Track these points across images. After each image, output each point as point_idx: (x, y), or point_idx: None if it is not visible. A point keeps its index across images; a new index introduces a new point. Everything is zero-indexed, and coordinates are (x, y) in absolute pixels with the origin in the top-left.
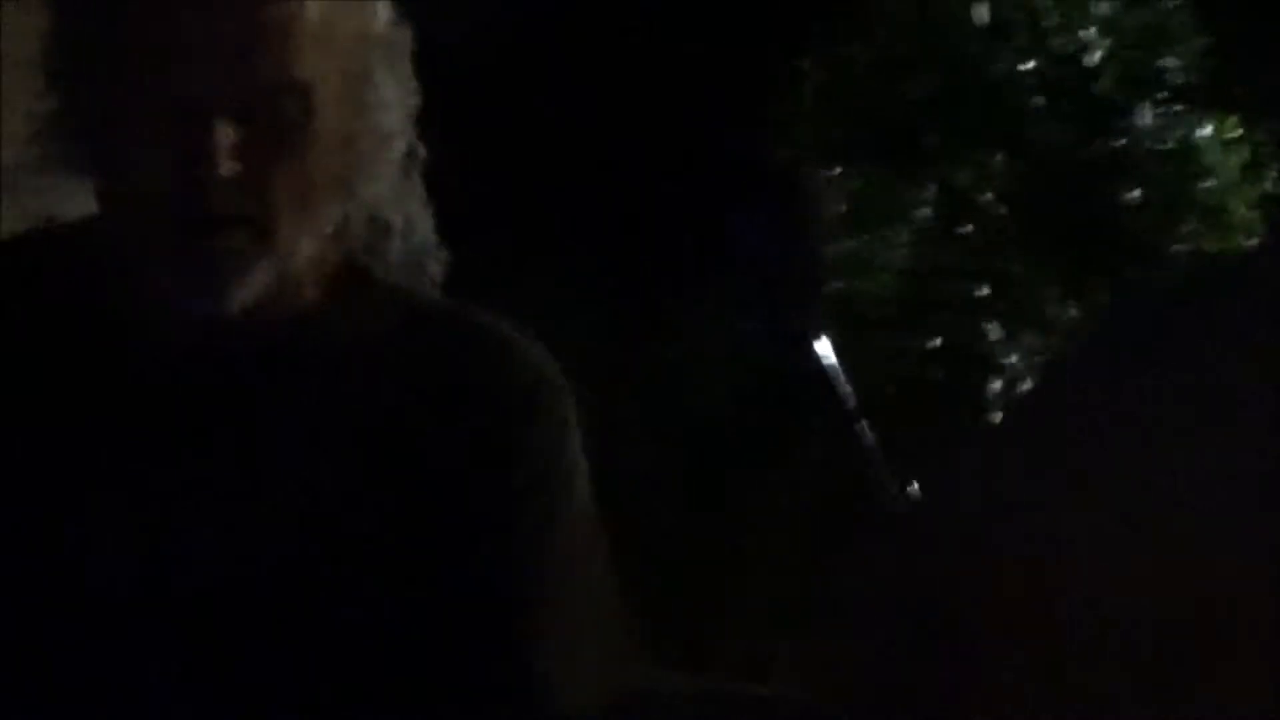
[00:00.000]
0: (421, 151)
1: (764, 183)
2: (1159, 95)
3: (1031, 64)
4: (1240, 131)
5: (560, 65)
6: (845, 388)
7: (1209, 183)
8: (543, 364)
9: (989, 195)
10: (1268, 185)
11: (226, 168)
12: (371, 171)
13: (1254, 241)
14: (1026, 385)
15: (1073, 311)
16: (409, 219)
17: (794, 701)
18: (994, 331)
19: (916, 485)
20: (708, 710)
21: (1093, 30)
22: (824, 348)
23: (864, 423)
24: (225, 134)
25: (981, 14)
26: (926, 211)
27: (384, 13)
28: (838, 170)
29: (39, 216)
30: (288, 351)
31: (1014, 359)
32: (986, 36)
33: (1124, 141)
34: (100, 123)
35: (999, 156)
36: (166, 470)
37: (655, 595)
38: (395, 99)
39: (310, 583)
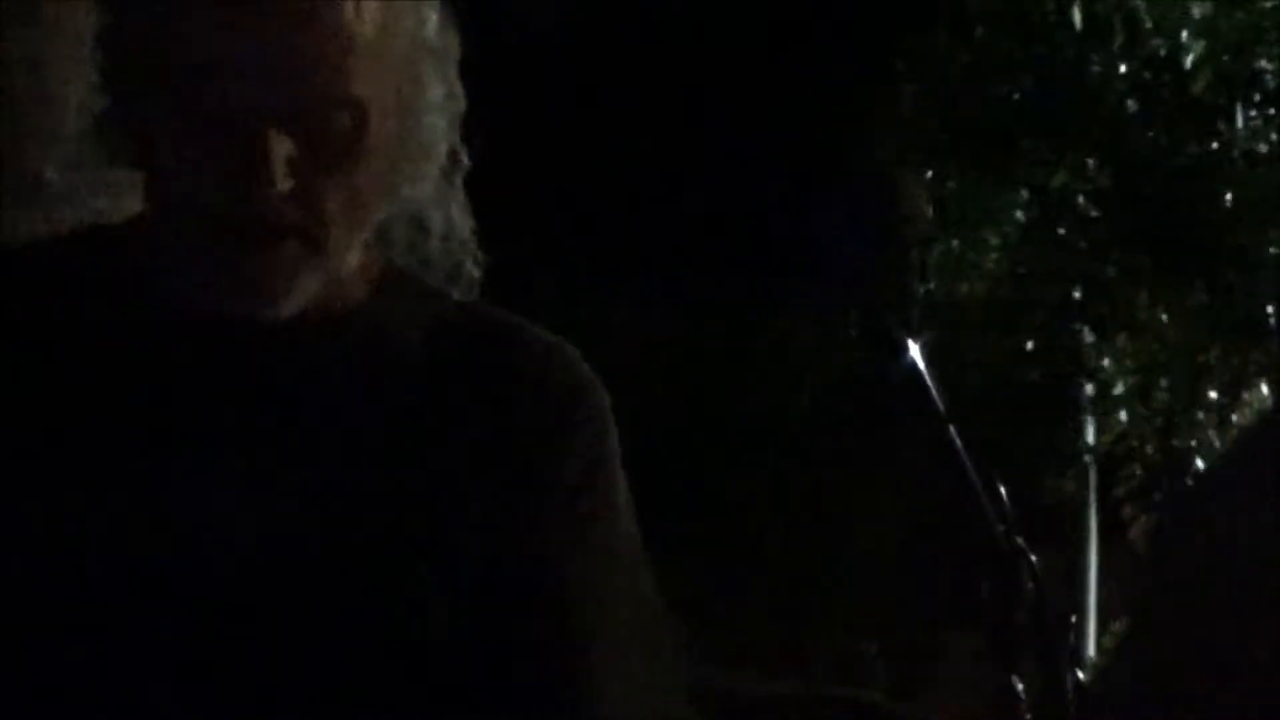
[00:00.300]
0: (464, 156)
1: (857, 185)
2: (1254, 98)
3: (1126, 67)
4: None
5: (654, 67)
6: (936, 392)
7: None
8: (579, 366)
9: (1082, 199)
10: None
11: (280, 180)
12: (415, 175)
13: None
14: (1118, 390)
15: (1164, 315)
16: (449, 221)
17: (873, 703)
18: (1086, 334)
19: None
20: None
21: (1187, 34)
22: (915, 352)
23: (953, 428)
24: (280, 146)
25: (1077, 16)
26: (1020, 214)
27: (433, 20)
28: (930, 174)
29: (80, 216)
30: (330, 351)
31: (1106, 361)
32: (1082, 39)
33: (1219, 145)
34: (155, 127)
35: (1093, 160)
36: (212, 462)
37: (734, 594)
38: (442, 105)
39: (358, 570)
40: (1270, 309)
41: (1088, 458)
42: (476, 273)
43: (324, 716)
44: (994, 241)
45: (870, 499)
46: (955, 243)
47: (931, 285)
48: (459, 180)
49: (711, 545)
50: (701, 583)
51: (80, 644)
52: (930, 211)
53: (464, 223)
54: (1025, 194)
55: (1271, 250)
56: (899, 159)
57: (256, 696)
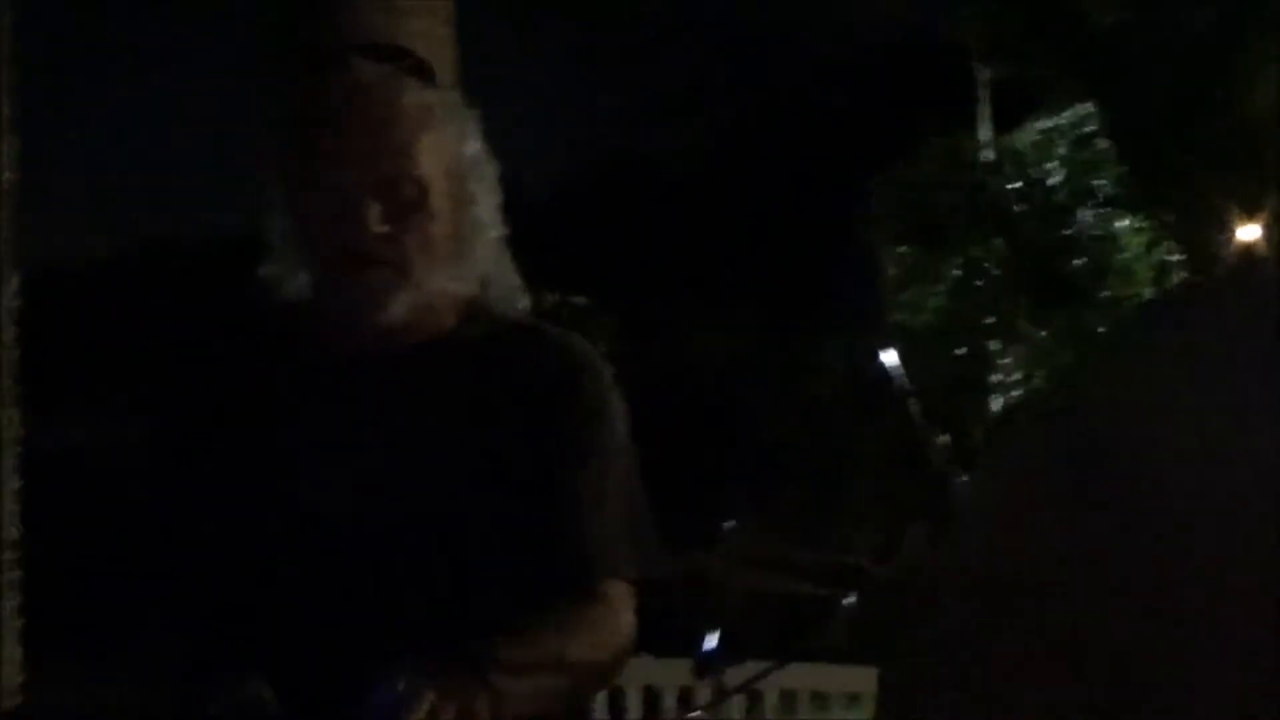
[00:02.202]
0: (506, 231)
1: (854, 254)
2: (1094, 202)
3: (1018, 184)
4: (1145, 224)
5: (730, 176)
6: (904, 380)
7: (1125, 255)
8: (591, 353)
9: (989, 263)
10: (1161, 256)
11: (372, 223)
12: (475, 246)
13: (1148, 290)
14: (1014, 377)
15: (1041, 333)
16: (502, 275)
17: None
18: (994, 345)
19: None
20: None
21: (1055, 163)
22: (890, 356)
23: (915, 402)
24: (372, 206)
25: (987, 154)
26: (955, 272)
27: (473, 147)
28: (899, 249)
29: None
30: (425, 355)
31: (1008, 360)
32: (989, 168)
33: (1072, 231)
34: (304, 212)
35: (998, 240)
36: (347, 432)
37: (776, 505)
38: (485, 200)
39: (448, 498)
40: (1101, 329)
41: (991, 419)
42: (524, 306)
43: (444, 593)
44: (939, 288)
45: (865, 446)
46: (913, 289)
47: (901, 317)
48: (506, 248)
49: (768, 481)
50: (763, 502)
51: (287, 560)
52: (896, 271)
53: (512, 276)
54: (960, 260)
55: (1103, 294)
56: (878, 239)
57: (405, 585)
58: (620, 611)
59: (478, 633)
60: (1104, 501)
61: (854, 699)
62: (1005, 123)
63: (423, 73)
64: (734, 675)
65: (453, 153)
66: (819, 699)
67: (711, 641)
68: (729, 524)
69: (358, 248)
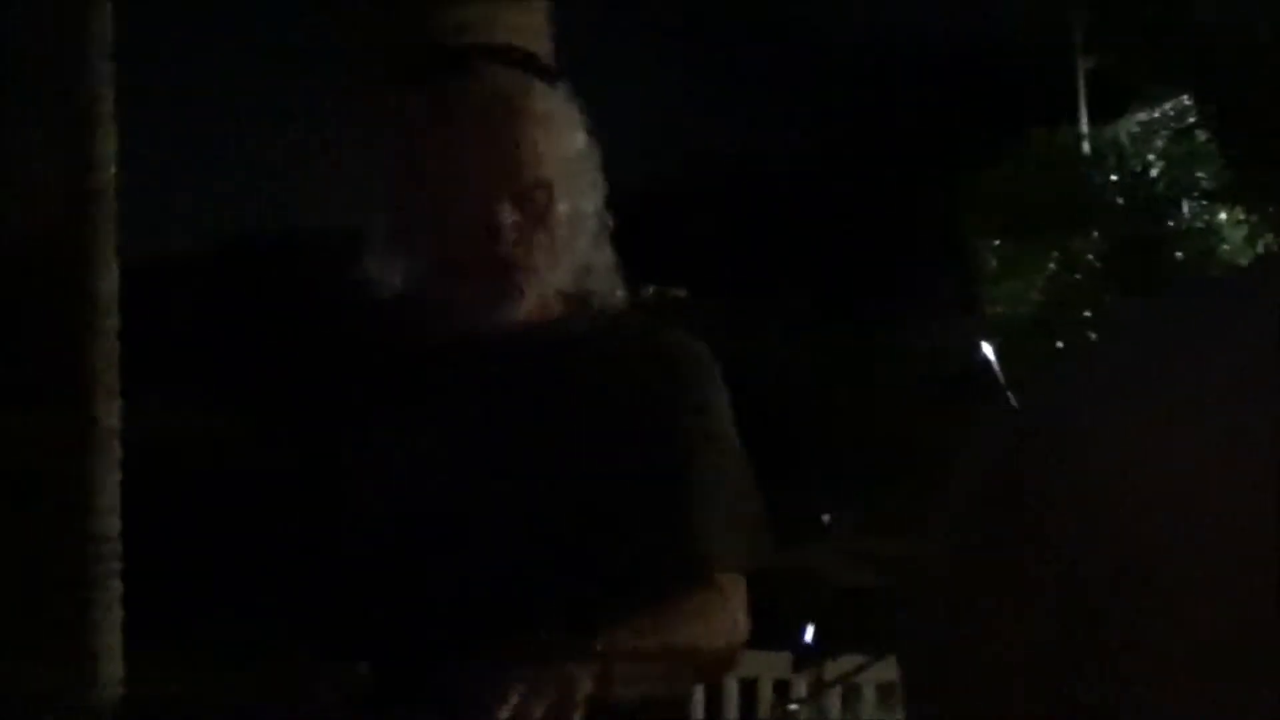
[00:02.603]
0: (610, 222)
1: (951, 251)
2: (1194, 195)
3: (1114, 177)
4: (1243, 216)
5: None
6: (999, 373)
7: (1225, 247)
8: (698, 349)
9: (1090, 256)
10: (1260, 248)
11: (507, 230)
12: (581, 239)
13: None
14: None
15: None
16: (604, 266)
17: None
18: (1092, 338)
19: None
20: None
21: (1154, 156)
22: (988, 350)
23: (1012, 396)
24: (506, 211)
25: (1084, 147)
26: (1051, 265)
27: (582, 139)
28: (995, 242)
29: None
30: (540, 341)
31: None
32: (1089, 161)
33: (1172, 223)
34: (425, 217)
35: (1095, 234)
36: (463, 421)
37: (865, 493)
38: (591, 194)
39: (557, 488)
40: None
41: None
42: (622, 297)
43: (553, 583)
44: (1034, 282)
45: (963, 439)
46: (1012, 283)
47: (998, 309)
48: (608, 239)
49: (866, 474)
50: (859, 492)
51: (397, 534)
52: (994, 264)
53: (614, 270)
54: (1054, 253)
55: None
56: (976, 232)
57: (513, 573)
58: (733, 604)
59: (585, 619)
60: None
61: None
62: (1103, 114)
63: (546, 74)
64: (832, 668)
65: (569, 151)
66: None
67: (810, 634)
68: (827, 517)
69: (490, 254)
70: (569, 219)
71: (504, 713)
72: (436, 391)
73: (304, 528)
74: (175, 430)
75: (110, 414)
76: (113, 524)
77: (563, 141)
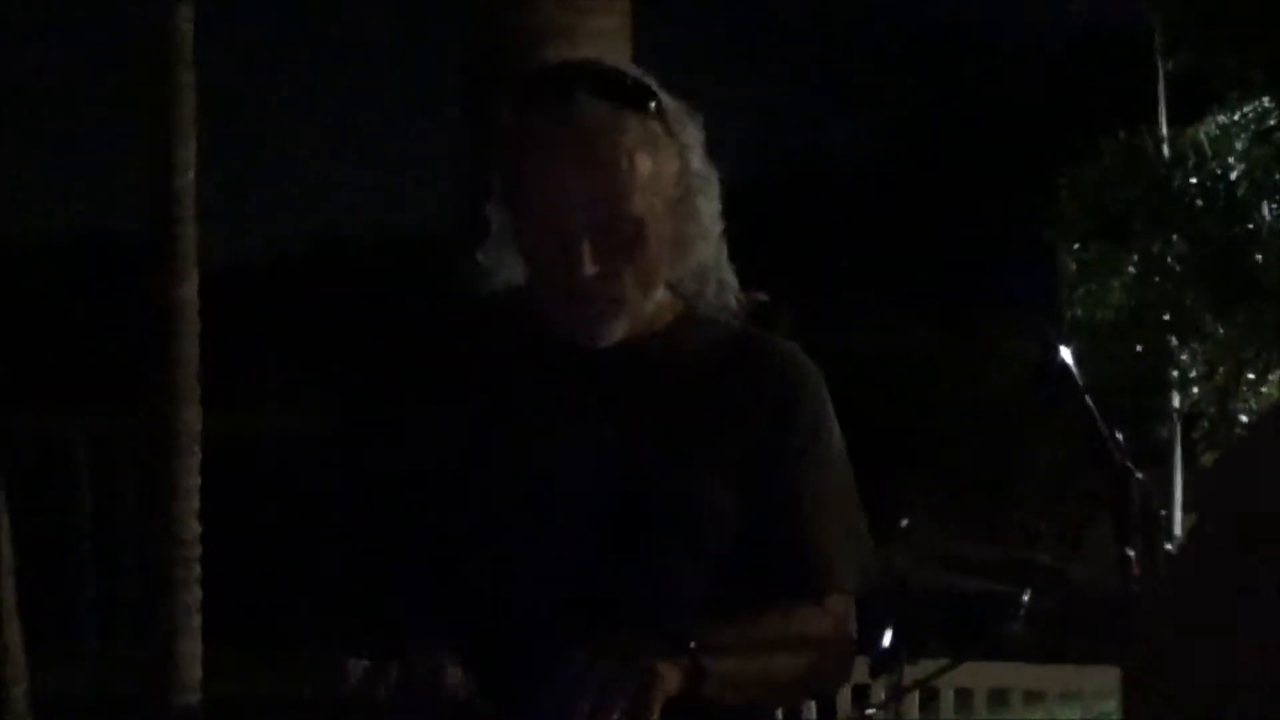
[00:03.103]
0: (722, 230)
1: (1035, 254)
2: (1276, 197)
3: (1195, 180)
4: None
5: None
6: (1079, 377)
7: None
8: (808, 365)
9: (1169, 259)
10: None
11: (589, 267)
12: (694, 250)
13: None
14: (1192, 374)
15: (1220, 329)
16: (720, 274)
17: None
18: (1173, 340)
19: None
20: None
21: (1232, 159)
22: (1066, 353)
23: (1091, 399)
24: (588, 247)
25: (1164, 150)
26: (1132, 269)
27: (698, 159)
28: (1075, 245)
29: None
30: (645, 353)
31: (1184, 358)
32: (1170, 163)
33: (1252, 226)
34: (524, 235)
35: (1175, 236)
36: (572, 418)
37: (957, 502)
38: (707, 209)
39: (667, 497)
40: None
41: (1174, 416)
42: (737, 306)
43: (660, 594)
44: (1115, 285)
45: (1040, 442)
46: (1092, 286)
47: (1078, 312)
48: (724, 249)
49: (943, 476)
50: (940, 497)
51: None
52: (1074, 268)
53: (729, 275)
54: (1135, 257)
55: None
56: (1057, 237)
57: (619, 580)
58: (844, 622)
59: (681, 623)
60: None
61: (1033, 697)
62: (1184, 116)
63: (643, 100)
64: (910, 673)
65: (673, 173)
66: (997, 696)
67: (888, 638)
68: (905, 520)
69: (573, 287)
70: (666, 246)
71: (585, 701)
72: (543, 387)
73: (396, 527)
74: (265, 431)
75: (192, 418)
76: (191, 528)
77: (664, 168)
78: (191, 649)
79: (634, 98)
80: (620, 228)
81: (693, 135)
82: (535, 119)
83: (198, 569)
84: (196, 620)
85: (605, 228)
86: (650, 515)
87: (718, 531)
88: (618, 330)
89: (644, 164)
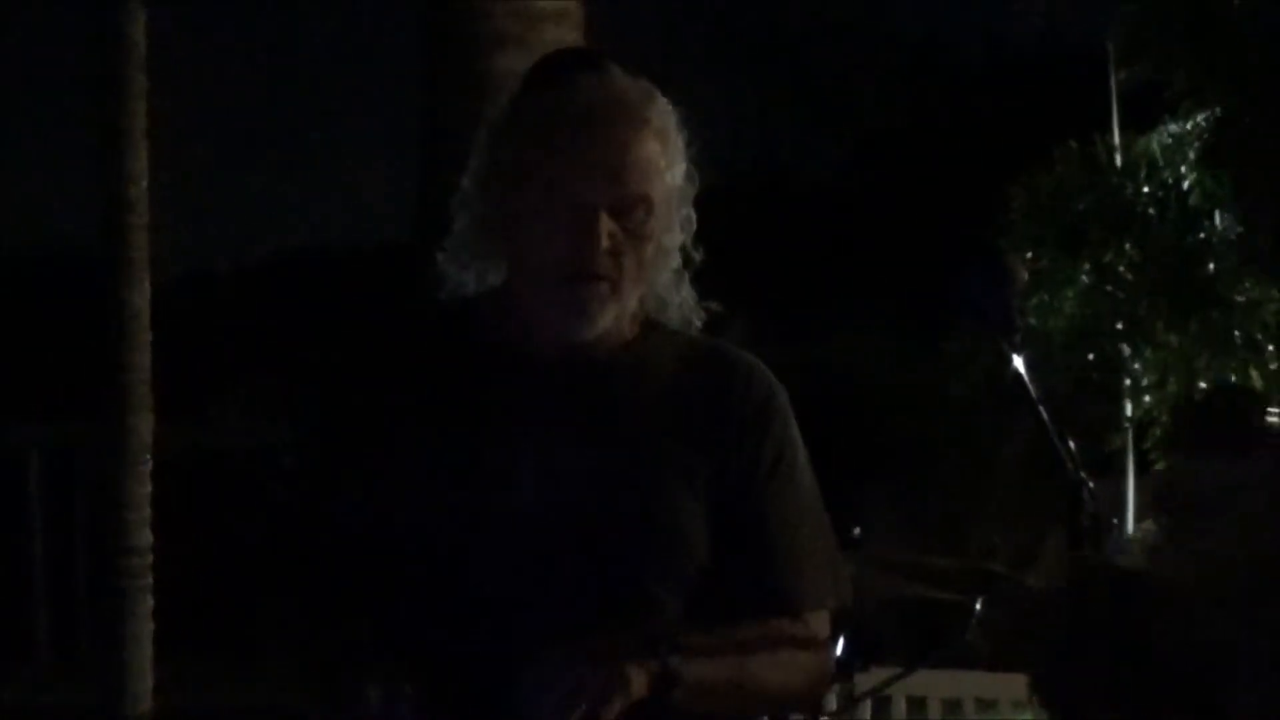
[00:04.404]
0: (697, 255)
1: (988, 262)
2: (1230, 207)
3: (1147, 189)
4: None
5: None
6: (1032, 387)
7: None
8: (772, 380)
9: (1122, 268)
10: None
11: (604, 243)
12: (661, 268)
13: None
14: (1144, 383)
15: (1173, 338)
16: (681, 296)
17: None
18: (1125, 350)
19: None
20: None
21: (1184, 168)
22: (1020, 362)
23: (1044, 409)
24: (605, 222)
25: (1117, 160)
26: (1085, 278)
27: (681, 167)
28: (1028, 254)
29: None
30: (614, 364)
31: (1137, 366)
32: (1121, 172)
33: (1204, 235)
34: (519, 218)
35: (1128, 245)
36: (543, 430)
37: (914, 510)
38: (683, 224)
39: (635, 507)
40: (1236, 333)
41: (1126, 425)
42: (699, 323)
43: (633, 603)
44: (1069, 294)
45: (994, 451)
46: (1045, 295)
47: (1031, 321)
48: (686, 272)
49: (900, 486)
50: (894, 506)
51: (483, 547)
52: (1027, 277)
53: (689, 295)
54: (1088, 266)
55: (1238, 298)
56: (1010, 246)
57: (586, 592)
58: (821, 639)
59: (653, 630)
60: None
61: (986, 705)
62: (1137, 126)
63: (655, 88)
64: (863, 680)
65: (674, 175)
66: (950, 705)
67: (840, 647)
68: (858, 530)
69: (585, 264)
70: (659, 243)
71: (548, 702)
72: (509, 398)
73: (359, 533)
74: (227, 437)
75: (143, 427)
76: (143, 538)
77: (671, 163)
78: (143, 659)
79: (649, 87)
80: (634, 207)
81: (681, 144)
82: (559, 93)
83: (149, 578)
84: (148, 629)
85: (620, 205)
86: (622, 529)
87: (689, 546)
88: (603, 321)
89: (665, 149)
